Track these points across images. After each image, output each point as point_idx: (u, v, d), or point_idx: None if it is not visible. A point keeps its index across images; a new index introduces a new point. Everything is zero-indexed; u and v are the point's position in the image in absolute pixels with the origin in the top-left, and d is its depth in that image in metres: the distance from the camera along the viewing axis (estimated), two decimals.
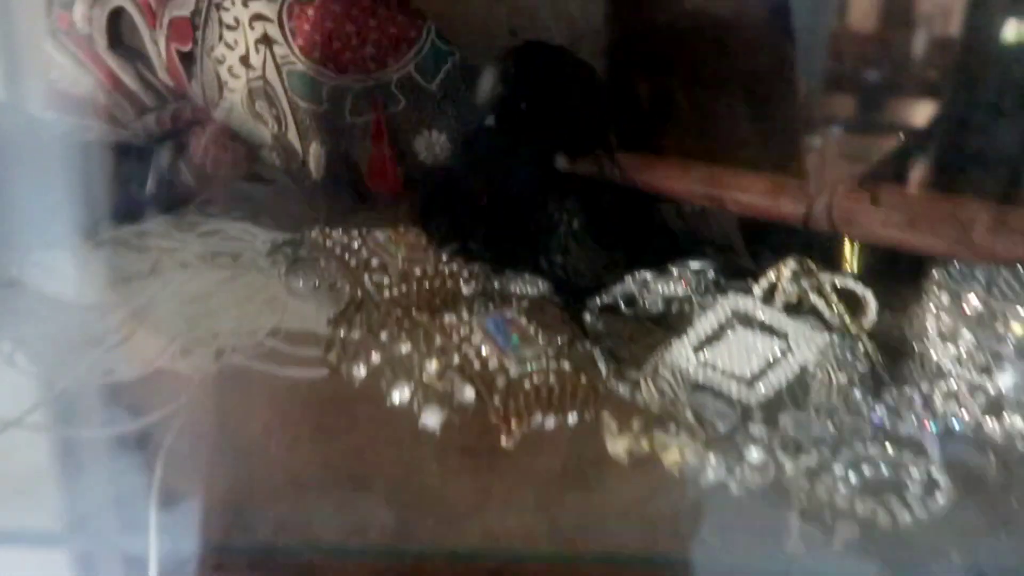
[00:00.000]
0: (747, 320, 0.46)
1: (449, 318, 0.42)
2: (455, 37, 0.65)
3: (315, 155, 0.59)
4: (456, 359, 0.41)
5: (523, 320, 0.45)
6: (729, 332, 0.46)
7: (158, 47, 0.63)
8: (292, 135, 0.59)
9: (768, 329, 0.46)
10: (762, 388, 0.44)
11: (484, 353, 0.41)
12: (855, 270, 0.53)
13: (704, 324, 0.46)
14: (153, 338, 0.46)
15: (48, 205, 0.59)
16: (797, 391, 0.44)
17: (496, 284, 0.54)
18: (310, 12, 0.56)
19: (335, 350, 0.43)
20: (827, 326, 0.47)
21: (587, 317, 0.54)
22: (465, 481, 0.42)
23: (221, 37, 0.58)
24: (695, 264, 0.54)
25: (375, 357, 0.42)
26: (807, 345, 0.45)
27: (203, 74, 0.61)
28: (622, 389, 0.45)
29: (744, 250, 0.68)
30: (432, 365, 0.41)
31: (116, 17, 0.65)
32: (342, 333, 0.44)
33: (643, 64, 0.66)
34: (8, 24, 0.73)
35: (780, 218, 0.52)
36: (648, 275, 0.53)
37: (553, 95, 0.67)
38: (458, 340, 0.41)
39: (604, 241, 0.64)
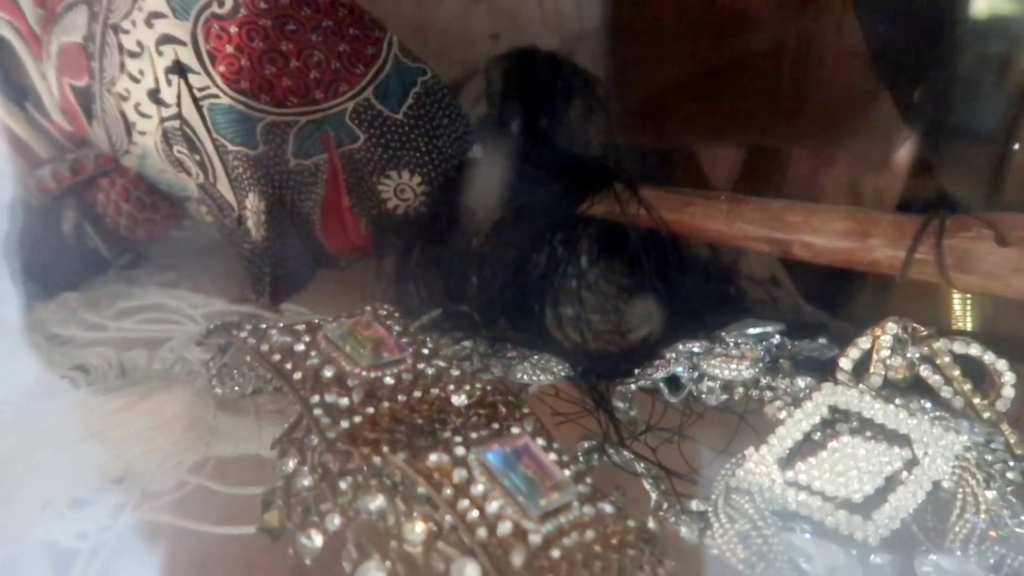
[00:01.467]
0: (850, 419, 0.34)
1: (437, 457, 0.29)
2: (424, 47, 0.52)
3: (253, 209, 0.46)
4: (449, 520, 0.28)
5: (539, 441, 0.32)
6: (828, 438, 0.33)
7: (47, 83, 0.49)
8: (223, 185, 0.46)
9: (881, 430, 0.33)
10: (884, 518, 0.31)
11: (491, 510, 0.28)
12: (968, 331, 0.41)
13: (792, 426, 0.34)
14: (23, 496, 0.33)
15: None
16: (929, 519, 0.32)
17: (497, 370, 0.41)
18: (232, 29, 0.43)
19: (276, 509, 0.30)
20: (942, 413, 0.35)
21: (618, 405, 0.41)
22: None
23: (123, 67, 0.45)
24: (754, 328, 0.41)
25: (333, 519, 0.29)
26: (938, 450, 0.32)
27: (105, 114, 0.48)
28: (685, 531, 0.32)
29: (791, 285, 0.56)
30: (416, 530, 0.28)
31: (2, 49, 0.51)
32: (284, 482, 0.31)
33: (659, 71, 0.53)
34: None
35: (868, 267, 0.39)
36: (695, 347, 0.40)
37: (551, 114, 0.55)
38: (451, 490, 0.28)
39: (626, 294, 0.52)
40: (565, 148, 0.52)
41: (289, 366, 0.33)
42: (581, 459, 0.37)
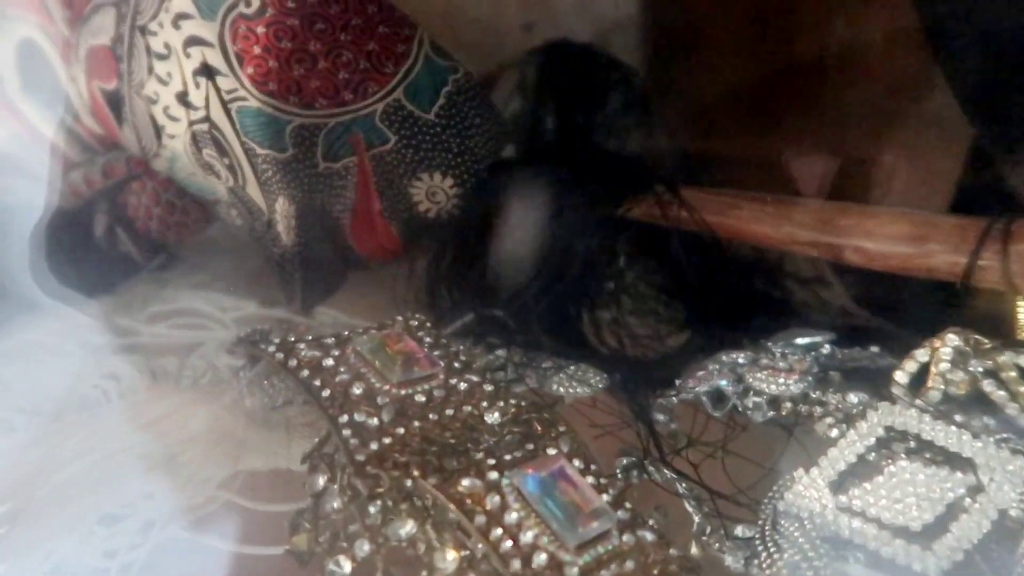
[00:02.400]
0: (908, 440, 0.32)
1: (470, 482, 0.28)
2: (454, 39, 0.50)
3: (283, 213, 0.45)
4: (482, 548, 0.27)
5: (576, 463, 0.30)
6: (884, 460, 0.31)
7: (78, 86, 0.49)
8: (252, 188, 0.45)
9: (941, 453, 0.31)
10: (945, 548, 0.29)
11: (526, 539, 0.27)
12: None
13: (845, 448, 0.32)
14: (51, 513, 0.32)
15: None
16: (995, 550, 0.30)
17: (532, 381, 0.40)
18: (260, 30, 0.41)
19: (303, 531, 0.29)
20: (1008, 434, 0.32)
21: (658, 417, 0.40)
22: None
23: (151, 70, 0.44)
24: (802, 339, 0.39)
25: (362, 545, 0.28)
26: (1005, 475, 0.30)
27: (135, 117, 0.47)
28: (731, 559, 0.30)
29: (841, 286, 0.53)
30: (447, 558, 0.27)
31: (29, 51, 0.51)
32: (312, 502, 0.30)
33: (705, 64, 0.51)
34: None
35: (927, 274, 0.37)
36: (739, 358, 0.38)
37: (587, 110, 0.53)
38: (484, 518, 0.27)
39: (665, 297, 0.50)
40: (602, 146, 0.50)
41: (318, 383, 0.32)
42: (620, 476, 0.35)
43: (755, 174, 0.44)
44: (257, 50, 0.42)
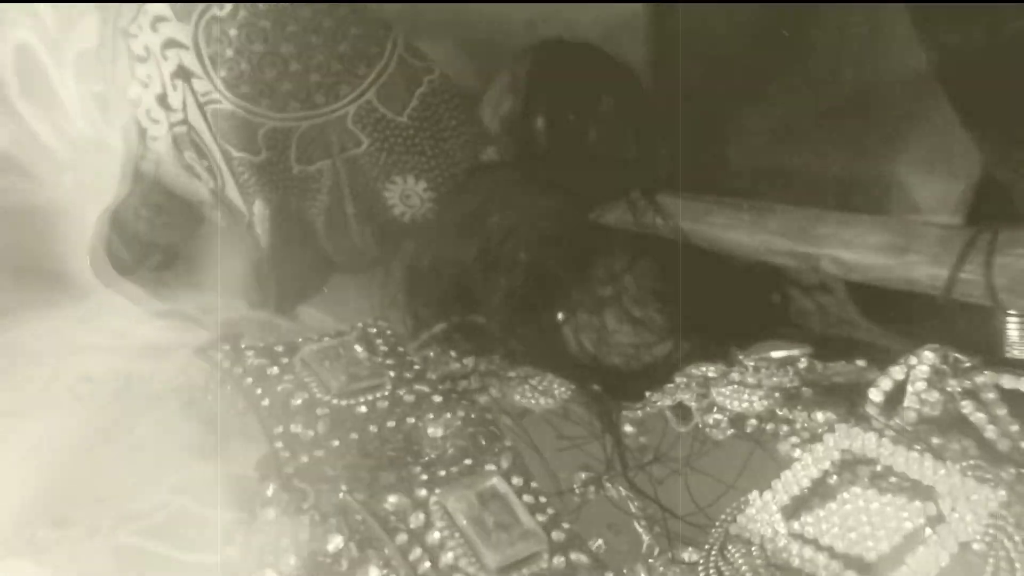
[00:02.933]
0: (875, 465, 0.30)
1: (396, 499, 0.27)
2: (447, 35, 0.50)
3: (260, 215, 0.45)
4: (402, 569, 0.26)
5: (515, 480, 0.29)
6: (840, 486, 0.29)
7: (69, 89, 0.50)
8: (232, 191, 0.45)
9: (903, 480, 0.29)
10: None
11: (446, 560, 0.26)
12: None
13: (800, 471, 0.30)
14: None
15: None
16: None
17: (496, 391, 0.39)
18: (232, 32, 0.41)
19: (236, 544, 0.29)
20: (978, 461, 0.30)
21: (627, 430, 0.39)
22: None
23: (133, 72, 0.45)
24: (777, 352, 0.37)
25: (289, 559, 0.28)
26: (968, 506, 0.28)
27: (121, 120, 0.48)
28: None
29: (844, 293, 0.50)
30: None
31: (27, 54, 0.52)
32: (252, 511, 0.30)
33: (706, 67, 0.49)
34: None
35: (906, 286, 0.35)
36: (709, 371, 0.37)
37: (579, 110, 0.52)
38: (406, 536, 0.26)
39: (651, 302, 0.48)
40: (588, 147, 0.49)
41: (260, 391, 0.32)
42: (577, 492, 0.34)
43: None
44: (230, 52, 0.42)
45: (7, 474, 0.35)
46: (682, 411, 0.36)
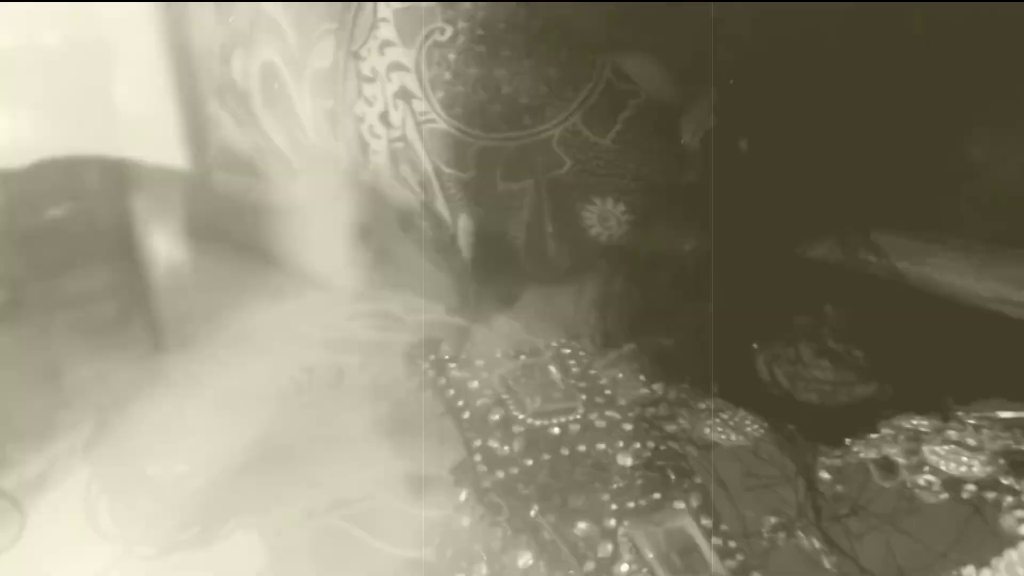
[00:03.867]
0: None
1: (586, 526, 0.28)
2: (650, 52, 0.49)
3: (463, 229, 0.47)
4: None
5: (704, 521, 0.29)
6: None
7: (304, 103, 0.55)
8: (440, 204, 0.48)
9: None
10: None
11: None
12: None
13: None
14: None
15: None
16: None
17: (684, 422, 0.39)
18: (451, 57, 0.44)
19: (432, 544, 0.31)
20: None
21: (822, 476, 0.37)
22: None
23: (360, 92, 0.49)
24: (1005, 412, 0.34)
25: (480, 568, 0.29)
26: None
27: (346, 134, 0.52)
28: None
29: None
30: None
31: (271, 71, 0.58)
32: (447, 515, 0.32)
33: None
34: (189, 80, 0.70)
35: None
36: (921, 424, 0.34)
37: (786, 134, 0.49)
38: (594, 565, 0.27)
39: (861, 339, 0.46)
40: (798, 173, 0.47)
41: (461, 403, 0.34)
42: (765, 537, 0.33)
43: None
44: (448, 76, 0.44)
45: (238, 457, 0.39)
46: (888, 464, 0.34)
